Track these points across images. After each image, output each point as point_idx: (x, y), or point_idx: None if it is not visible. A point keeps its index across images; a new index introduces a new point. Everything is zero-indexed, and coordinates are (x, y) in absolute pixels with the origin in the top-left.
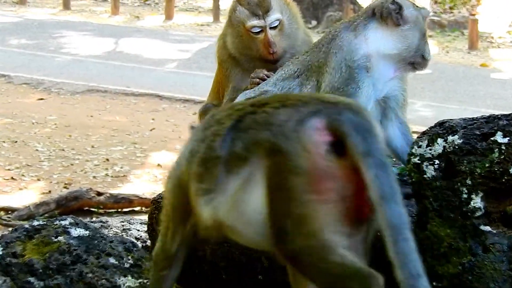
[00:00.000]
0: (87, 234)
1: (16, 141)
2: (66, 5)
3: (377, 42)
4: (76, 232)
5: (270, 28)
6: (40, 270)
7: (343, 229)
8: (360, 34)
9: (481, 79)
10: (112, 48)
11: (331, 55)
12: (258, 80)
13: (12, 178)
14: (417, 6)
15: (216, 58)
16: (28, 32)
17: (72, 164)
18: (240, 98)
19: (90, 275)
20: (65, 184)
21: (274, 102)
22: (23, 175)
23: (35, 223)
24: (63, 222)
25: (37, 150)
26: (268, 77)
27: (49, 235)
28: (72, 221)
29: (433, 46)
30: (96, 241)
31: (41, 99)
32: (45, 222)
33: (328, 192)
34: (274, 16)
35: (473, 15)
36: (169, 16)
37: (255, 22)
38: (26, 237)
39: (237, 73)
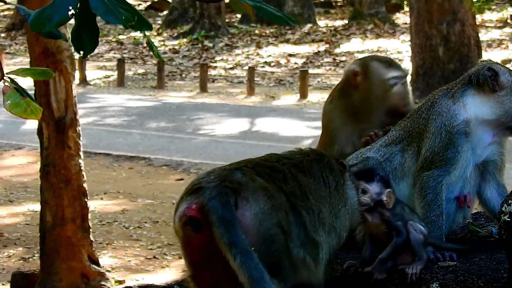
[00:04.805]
0: None
1: (157, 221)
2: (203, 88)
3: (475, 108)
4: None
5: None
6: None
7: None
8: (458, 100)
9: None
10: (248, 127)
11: (431, 121)
12: (366, 138)
13: (154, 257)
14: None
15: (322, 120)
16: (166, 115)
17: None
18: None
19: None
20: None
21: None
22: (165, 254)
23: None
24: None
25: None
26: (377, 136)
27: None
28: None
29: None
30: None
31: (181, 179)
32: None
33: (188, 256)
34: (407, 70)
35: None
36: (303, 95)
37: (394, 73)
38: None
39: (341, 137)
